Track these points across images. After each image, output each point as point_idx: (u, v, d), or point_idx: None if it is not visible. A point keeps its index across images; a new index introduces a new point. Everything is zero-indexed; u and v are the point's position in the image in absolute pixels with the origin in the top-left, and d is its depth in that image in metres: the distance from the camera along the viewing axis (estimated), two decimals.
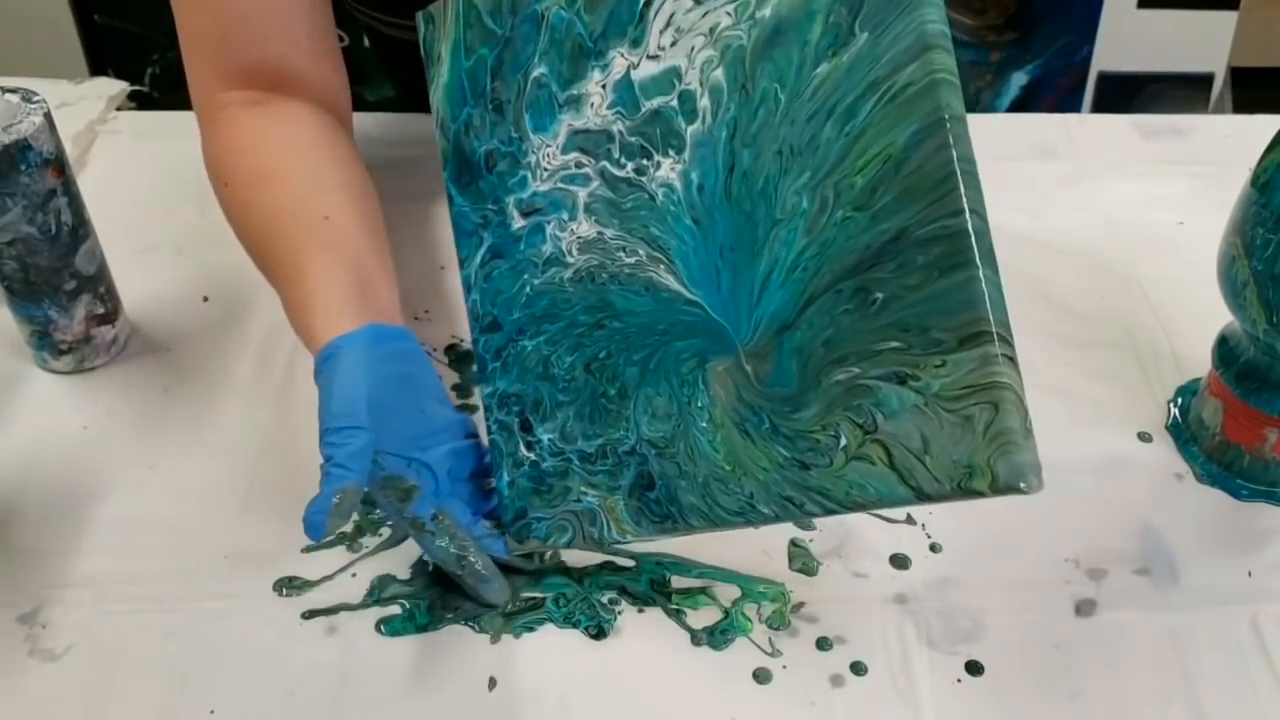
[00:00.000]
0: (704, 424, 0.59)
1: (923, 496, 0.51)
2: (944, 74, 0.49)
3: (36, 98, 0.68)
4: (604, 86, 0.64)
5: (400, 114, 0.96)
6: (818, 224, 0.54)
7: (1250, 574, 0.64)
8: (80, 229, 0.72)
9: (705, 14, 0.58)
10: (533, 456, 0.64)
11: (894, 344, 0.51)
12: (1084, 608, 0.63)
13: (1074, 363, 0.75)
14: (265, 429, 0.71)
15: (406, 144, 0.92)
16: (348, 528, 0.67)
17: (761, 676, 0.60)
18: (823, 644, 0.61)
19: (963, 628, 0.62)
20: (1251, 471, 0.68)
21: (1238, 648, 0.61)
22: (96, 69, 1.70)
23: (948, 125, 0.49)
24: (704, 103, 0.59)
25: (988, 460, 0.48)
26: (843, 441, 0.54)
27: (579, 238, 0.65)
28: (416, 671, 0.61)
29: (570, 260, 0.65)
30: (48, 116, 0.68)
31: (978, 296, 0.50)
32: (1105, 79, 1.83)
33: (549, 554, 0.67)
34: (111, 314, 0.76)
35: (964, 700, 0.59)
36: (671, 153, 0.61)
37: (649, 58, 0.61)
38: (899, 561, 0.65)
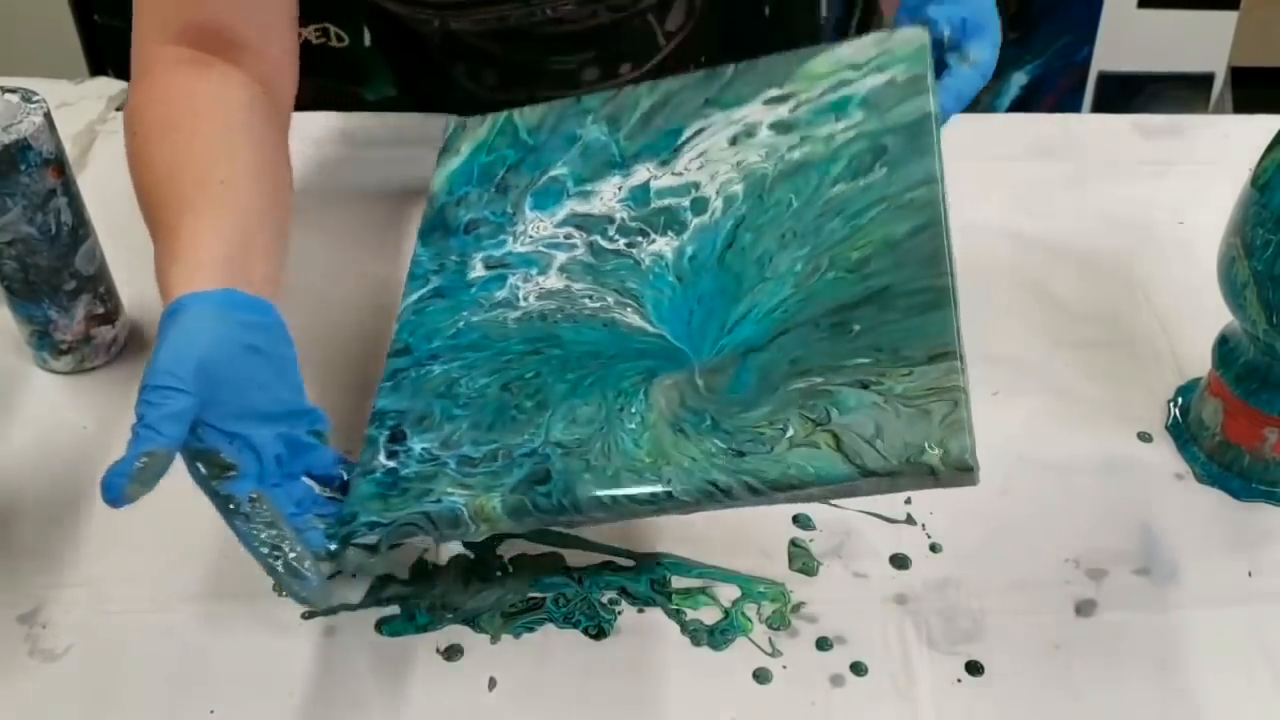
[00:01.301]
0: (632, 426, 0.57)
1: (866, 473, 0.51)
2: (938, 188, 0.59)
3: (36, 98, 0.68)
4: (620, 188, 0.66)
5: (400, 114, 0.96)
6: (807, 281, 0.58)
7: (1250, 574, 0.64)
8: (80, 229, 0.72)
9: (738, 152, 0.64)
10: (391, 464, 0.60)
11: (863, 360, 0.54)
12: (1084, 608, 0.63)
13: (1074, 363, 0.75)
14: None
15: (407, 144, 0.92)
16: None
17: (761, 676, 0.60)
18: (823, 644, 0.61)
19: (963, 628, 0.62)
20: (1251, 471, 0.68)
21: (1238, 648, 0.61)
22: (96, 69, 1.70)
23: (944, 220, 0.57)
24: (716, 204, 0.63)
25: (941, 440, 0.51)
26: (790, 433, 0.53)
27: (541, 288, 0.64)
28: (416, 672, 0.61)
29: (523, 304, 0.64)
30: (48, 116, 0.68)
31: (951, 328, 0.54)
32: (1105, 79, 1.83)
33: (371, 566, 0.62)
34: (111, 314, 0.76)
35: (964, 700, 0.59)
36: (670, 234, 0.63)
37: (673, 174, 0.66)
38: (899, 561, 0.65)
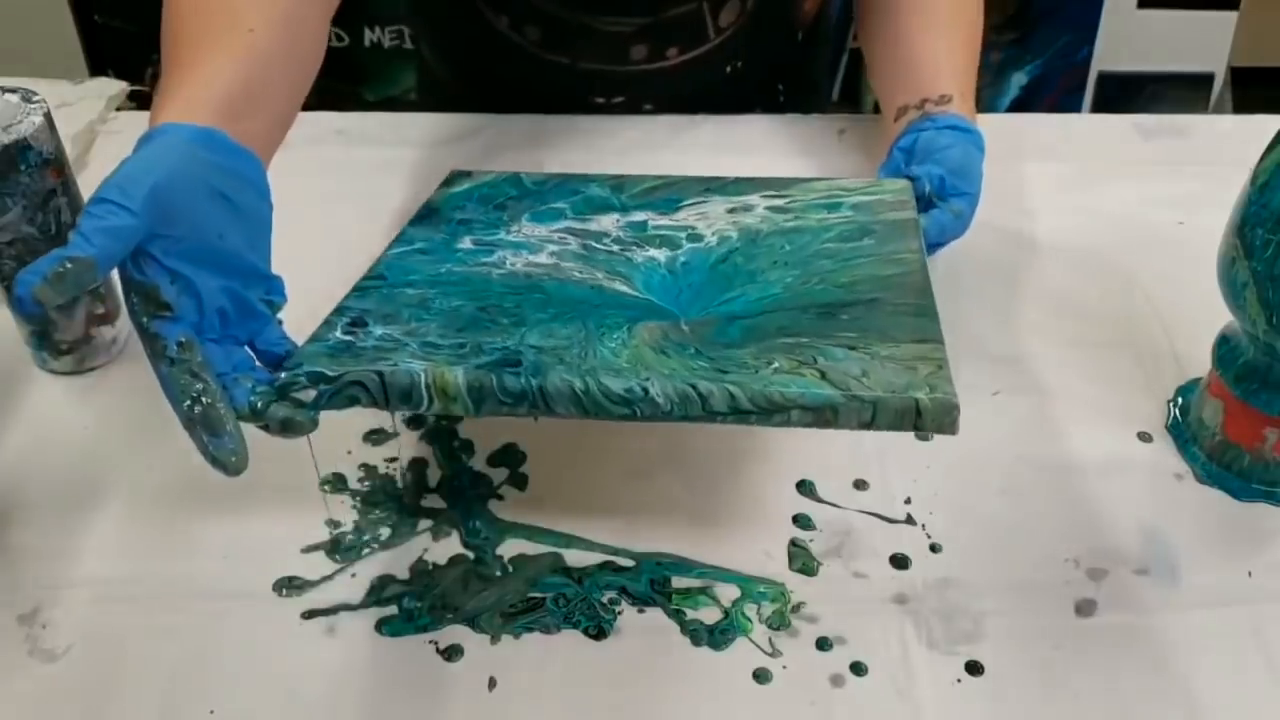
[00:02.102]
0: (612, 344, 0.56)
1: (850, 397, 0.52)
2: (922, 257, 0.64)
3: (36, 97, 0.69)
4: (618, 220, 0.70)
5: (400, 114, 0.96)
6: (796, 288, 0.61)
7: (1250, 574, 0.64)
8: None
9: (735, 217, 0.69)
10: (348, 338, 0.57)
11: (850, 334, 0.57)
12: (1084, 608, 0.63)
13: (1074, 363, 0.75)
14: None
15: (407, 144, 0.92)
16: (346, 527, 0.66)
17: (761, 676, 0.60)
18: (823, 644, 0.61)
19: (963, 628, 0.62)
20: (1251, 471, 0.68)
21: (1238, 648, 0.61)
22: (96, 69, 1.70)
23: (925, 272, 0.62)
24: (710, 239, 0.67)
25: (928, 382, 0.52)
26: (775, 364, 0.54)
27: (530, 262, 0.65)
28: (416, 672, 0.61)
29: (509, 266, 0.64)
30: (47, 116, 0.68)
31: (935, 327, 0.58)
32: (1105, 79, 1.83)
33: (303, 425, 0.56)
34: (111, 314, 0.76)
35: (964, 700, 0.59)
36: (666, 248, 0.66)
37: (670, 219, 0.70)
38: (899, 561, 0.65)
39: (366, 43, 1.72)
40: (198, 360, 0.54)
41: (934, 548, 0.65)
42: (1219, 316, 0.67)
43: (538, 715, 0.59)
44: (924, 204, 0.75)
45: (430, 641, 0.62)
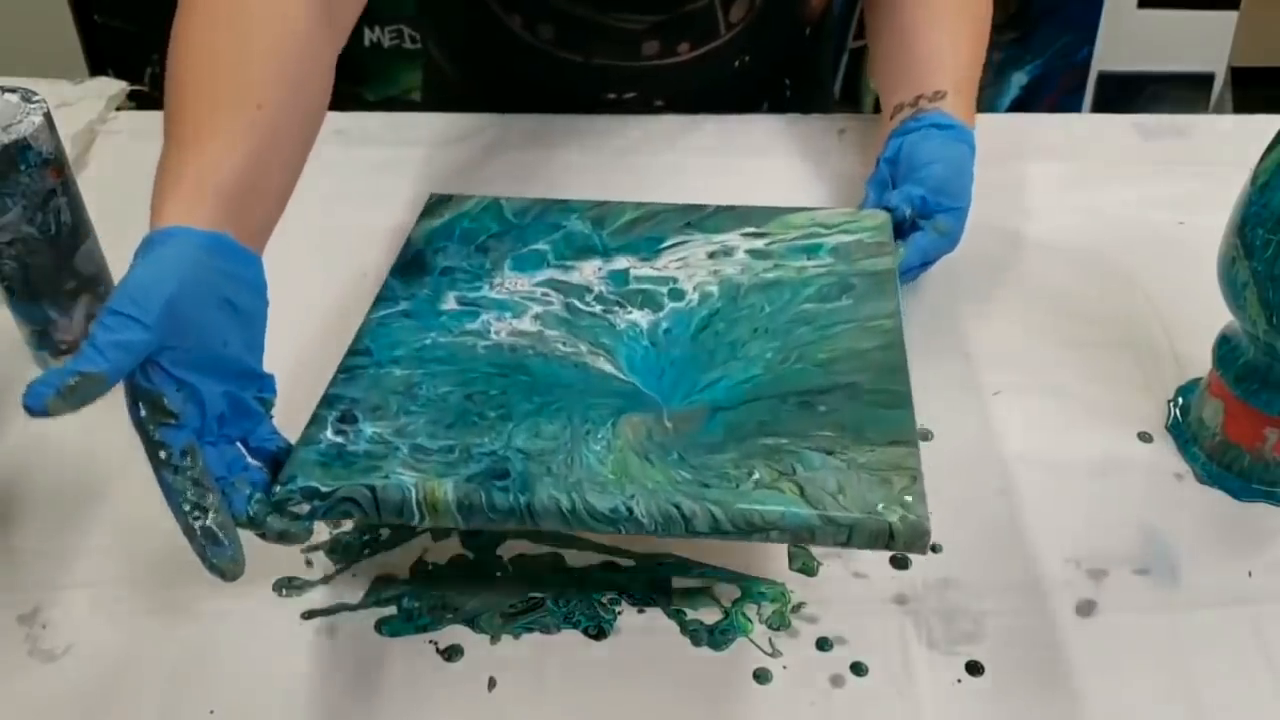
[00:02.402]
0: (597, 447, 0.57)
1: (827, 520, 0.54)
2: (900, 321, 0.65)
3: (36, 97, 0.68)
4: (600, 269, 0.70)
5: (401, 114, 0.96)
6: (777, 367, 0.63)
7: (1250, 574, 0.64)
8: (80, 229, 0.72)
9: (716, 264, 0.70)
10: (338, 440, 0.58)
11: (828, 433, 0.58)
12: (1084, 608, 0.63)
13: (1074, 363, 0.75)
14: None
15: (407, 144, 0.92)
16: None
17: (761, 676, 0.60)
18: (823, 644, 0.61)
19: (963, 628, 0.62)
20: (1251, 471, 0.68)
21: (1238, 648, 0.61)
22: (96, 69, 1.70)
23: (903, 345, 0.64)
24: (692, 296, 0.68)
25: (900, 502, 0.54)
26: (756, 475, 0.56)
27: (514, 328, 0.66)
28: (416, 672, 0.61)
29: (494, 337, 0.65)
30: (47, 116, 0.68)
31: (910, 426, 0.59)
32: (1105, 79, 1.83)
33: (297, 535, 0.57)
34: None
35: (964, 700, 0.59)
36: (648, 310, 0.67)
37: (652, 268, 0.70)
38: (899, 561, 0.65)
39: (366, 43, 1.72)
40: (200, 468, 0.54)
41: (934, 548, 0.65)
42: (1219, 316, 0.67)
43: (538, 715, 0.59)
44: (907, 227, 0.75)
45: (430, 641, 0.62)
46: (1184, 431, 0.71)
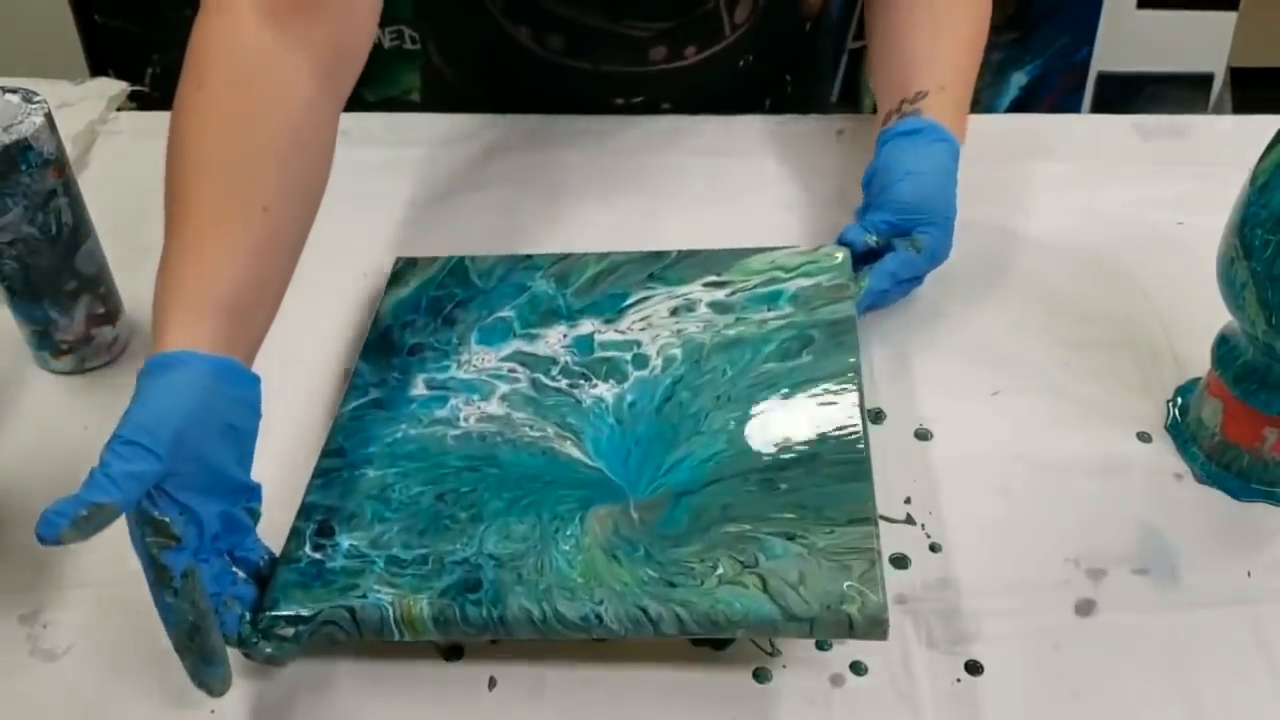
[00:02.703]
0: (566, 547, 0.59)
1: (789, 616, 0.55)
2: (858, 380, 0.66)
3: (37, 98, 0.69)
4: (565, 335, 0.71)
5: (401, 114, 0.96)
6: (738, 441, 0.64)
7: (1250, 574, 0.64)
8: (81, 229, 0.72)
9: (678, 321, 0.71)
10: (316, 556, 0.60)
11: (789, 515, 0.59)
12: (1084, 608, 0.63)
13: (1074, 363, 0.75)
14: (264, 429, 0.71)
15: (408, 144, 0.92)
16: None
17: (761, 676, 0.60)
18: (822, 644, 0.61)
19: (963, 628, 0.62)
20: (1251, 471, 0.68)
21: (1238, 648, 0.61)
22: (97, 69, 1.70)
23: (862, 406, 0.65)
24: (656, 362, 0.69)
25: (859, 592, 0.55)
26: (719, 570, 0.57)
27: (483, 413, 0.67)
28: (416, 671, 0.61)
29: (463, 425, 0.66)
30: (48, 116, 0.68)
31: (868, 498, 0.60)
32: (1105, 79, 1.83)
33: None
34: (112, 314, 0.76)
35: (964, 700, 0.59)
36: (612, 381, 0.68)
37: (616, 331, 0.71)
38: (899, 561, 0.65)
39: None
40: (198, 589, 0.54)
41: (934, 548, 0.65)
42: (1218, 316, 0.67)
43: (538, 715, 0.59)
44: (883, 248, 0.75)
45: (430, 641, 0.62)
46: (1183, 431, 0.71)
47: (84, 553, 0.65)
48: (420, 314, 0.73)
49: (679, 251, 0.76)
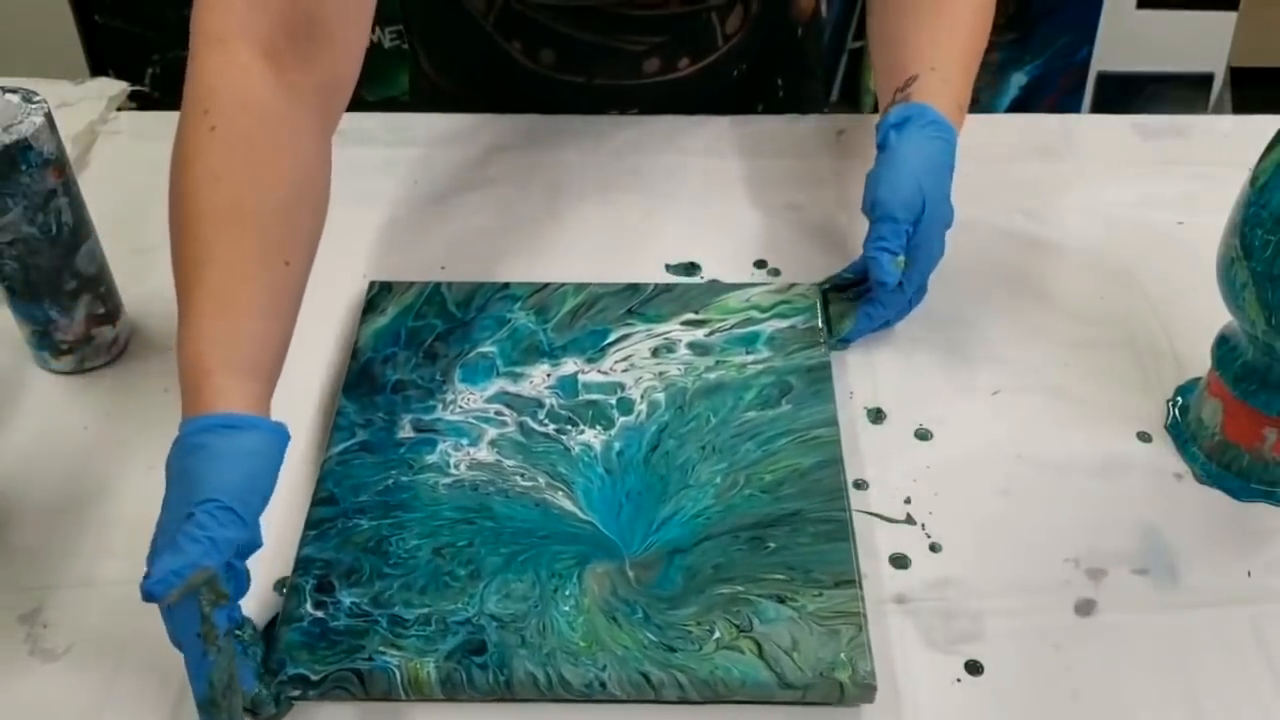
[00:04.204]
0: (567, 608, 0.60)
1: (784, 684, 0.57)
2: (836, 431, 0.68)
3: (37, 98, 0.69)
4: (549, 375, 0.72)
5: (400, 114, 0.96)
6: (726, 494, 0.65)
7: (1250, 574, 0.64)
8: (81, 229, 0.72)
9: (660, 363, 0.72)
10: (319, 614, 0.60)
11: (779, 576, 0.61)
12: (1084, 608, 0.63)
13: (1074, 363, 0.75)
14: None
15: (406, 144, 0.92)
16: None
17: None
18: None
19: (963, 628, 0.62)
20: (1251, 471, 0.68)
21: (1237, 648, 0.61)
22: (97, 69, 1.70)
23: (841, 459, 0.67)
24: (640, 407, 0.70)
25: (849, 659, 0.58)
26: (716, 634, 0.59)
27: (473, 459, 0.67)
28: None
29: (453, 472, 0.66)
30: (48, 116, 0.68)
31: (851, 559, 0.62)
32: (1105, 79, 1.83)
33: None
34: (112, 314, 0.76)
35: (964, 700, 0.59)
36: (599, 428, 0.69)
37: (599, 371, 0.72)
38: (899, 561, 0.65)
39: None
40: (231, 647, 0.55)
41: (934, 548, 0.65)
42: (1218, 316, 0.67)
43: (537, 715, 0.59)
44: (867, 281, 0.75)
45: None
46: (1183, 431, 0.71)
47: (84, 553, 0.65)
48: (400, 347, 0.73)
49: (656, 285, 0.77)
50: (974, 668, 0.60)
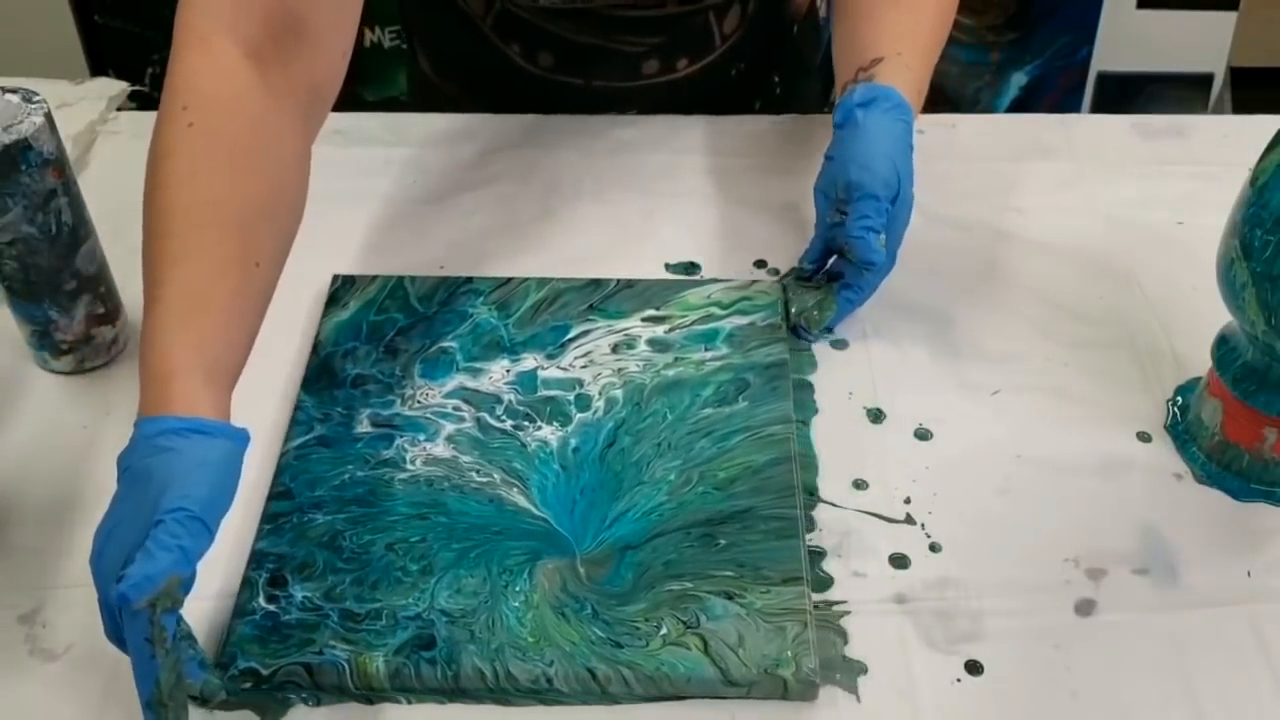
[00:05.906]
0: (516, 604, 0.60)
1: (728, 680, 0.58)
2: (792, 429, 0.69)
3: (37, 98, 0.69)
4: (508, 370, 0.72)
5: (399, 114, 0.96)
6: (680, 491, 0.66)
7: (1250, 574, 0.64)
8: (81, 229, 0.72)
9: (619, 360, 0.72)
10: (271, 608, 0.61)
11: (728, 573, 0.62)
12: (1084, 608, 0.63)
13: (1073, 362, 0.75)
14: (263, 430, 0.71)
15: (405, 144, 0.92)
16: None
17: None
18: None
19: (963, 628, 0.62)
20: (1251, 471, 0.68)
21: (1237, 648, 0.61)
22: (97, 69, 1.70)
23: (794, 458, 0.67)
24: (598, 403, 0.70)
25: (794, 656, 0.58)
26: (663, 630, 0.59)
27: (429, 454, 0.68)
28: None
29: (409, 468, 0.67)
30: (48, 116, 0.68)
31: (800, 556, 0.63)
32: (1105, 79, 1.83)
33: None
34: (112, 314, 0.76)
35: (964, 700, 0.59)
36: (555, 424, 0.69)
37: (559, 368, 0.72)
38: (899, 561, 0.65)
39: (366, 43, 1.72)
40: (178, 647, 0.55)
41: (933, 547, 0.65)
42: (1218, 316, 0.67)
43: (538, 715, 0.59)
44: (836, 258, 0.76)
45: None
46: (1183, 431, 0.71)
47: (84, 553, 0.65)
48: (361, 341, 0.73)
49: (618, 281, 0.77)
50: (974, 668, 0.60)
